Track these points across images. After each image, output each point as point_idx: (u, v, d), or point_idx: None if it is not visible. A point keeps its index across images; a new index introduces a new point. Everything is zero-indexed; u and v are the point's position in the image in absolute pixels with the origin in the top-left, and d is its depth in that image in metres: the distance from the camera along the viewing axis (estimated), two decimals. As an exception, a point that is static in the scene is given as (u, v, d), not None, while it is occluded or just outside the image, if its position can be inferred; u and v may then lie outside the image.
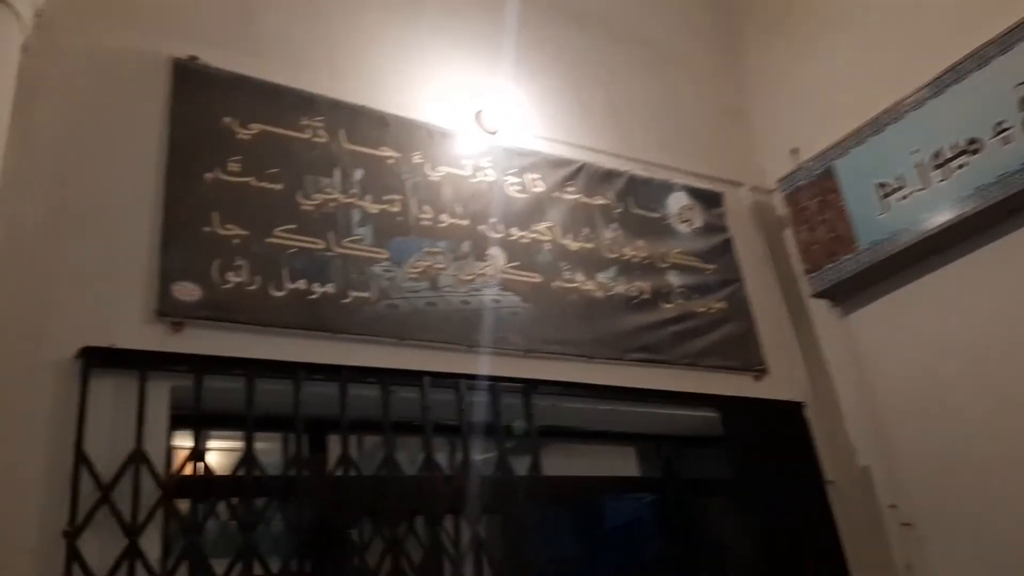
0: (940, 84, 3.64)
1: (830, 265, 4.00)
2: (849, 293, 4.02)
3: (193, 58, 3.02)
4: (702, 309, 3.86)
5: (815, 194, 4.16)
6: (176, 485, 2.32)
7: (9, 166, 2.37)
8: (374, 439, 2.84)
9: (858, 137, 3.98)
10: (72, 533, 2.08)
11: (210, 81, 3.01)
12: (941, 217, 3.55)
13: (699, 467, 3.79)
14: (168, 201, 2.70)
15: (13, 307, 2.31)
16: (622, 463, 3.97)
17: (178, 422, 2.51)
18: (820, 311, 4.16)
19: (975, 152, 3.48)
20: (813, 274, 4.07)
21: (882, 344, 3.88)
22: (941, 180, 3.59)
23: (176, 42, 3.03)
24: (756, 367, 3.88)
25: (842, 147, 4.05)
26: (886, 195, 3.81)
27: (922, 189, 3.66)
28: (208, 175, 2.82)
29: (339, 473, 2.59)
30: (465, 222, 3.34)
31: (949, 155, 3.58)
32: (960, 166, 3.53)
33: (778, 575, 3.36)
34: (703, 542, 3.64)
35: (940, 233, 3.57)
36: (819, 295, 4.08)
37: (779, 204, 4.44)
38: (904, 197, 3.73)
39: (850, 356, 3.97)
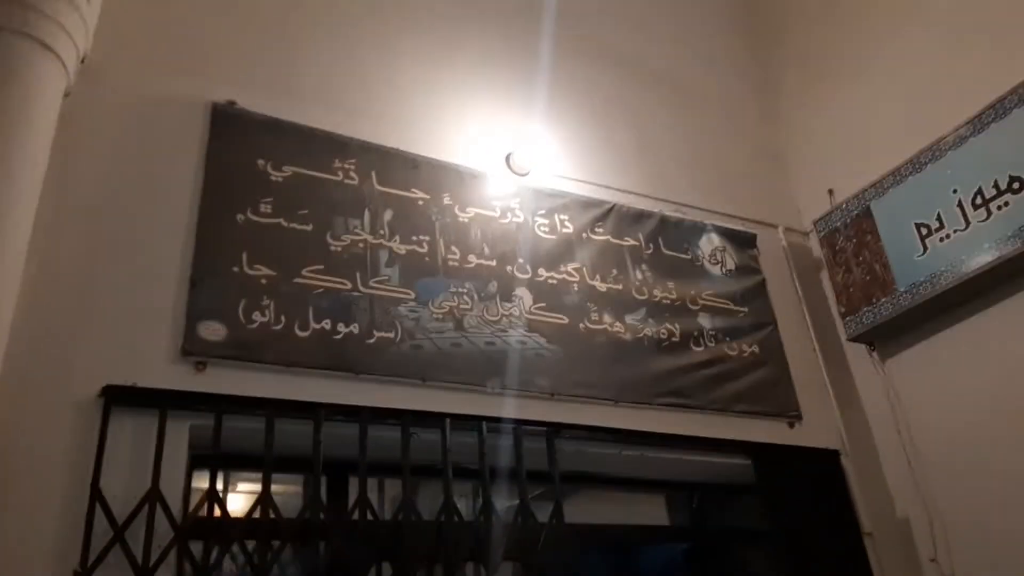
0: (982, 121, 3.50)
1: (867, 308, 3.84)
2: (887, 337, 3.85)
3: (231, 103, 3.05)
4: (734, 353, 3.72)
5: (852, 235, 4.02)
6: (191, 526, 2.26)
7: (45, 207, 2.40)
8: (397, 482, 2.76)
9: (896, 177, 3.84)
10: (83, 573, 2.03)
11: (247, 125, 3.03)
12: (983, 258, 3.38)
13: (731, 516, 3.62)
14: (199, 241, 2.69)
15: (42, 344, 2.31)
16: (652, 511, 3.82)
17: (199, 462, 2.47)
18: (857, 356, 3.98)
19: (1018, 191, 3.32)
20: (849, 317, 3.91)
21: (922, 391, 3.69)
22: (983, 220, 3.43)
23: (216, 87, 3.06)
24: (790, 413, 3.71)
25: (880, 187, 3.91)
26: (925, 236, 3.65)
27: (963, 229, 3.50)
28: (240, 216, 2.81)
29: (356, 516, 2.50)
30: (492, 263, 3.29)
31: (991, 194, 3.42)
32: (1002, 205, 3.37)
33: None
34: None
35: (982, 275, 3.39)
36: (856, 339, 3.91)
37: (815, 246, 4.30)
38: (944, 238, 3.57)
39: (888, 403, 3.77)
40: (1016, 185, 3.34)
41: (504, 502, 2.85)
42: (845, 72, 4.48)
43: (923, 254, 3.64)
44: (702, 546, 3.46)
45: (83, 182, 2.63)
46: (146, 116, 2.87)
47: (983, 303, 3.52)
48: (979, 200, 3.47)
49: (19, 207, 2.20)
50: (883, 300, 3.78)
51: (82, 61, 2.74)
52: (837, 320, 4.04)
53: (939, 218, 3.61)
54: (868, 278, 3.88)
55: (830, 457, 3.63)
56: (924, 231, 3.66)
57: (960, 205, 3.54)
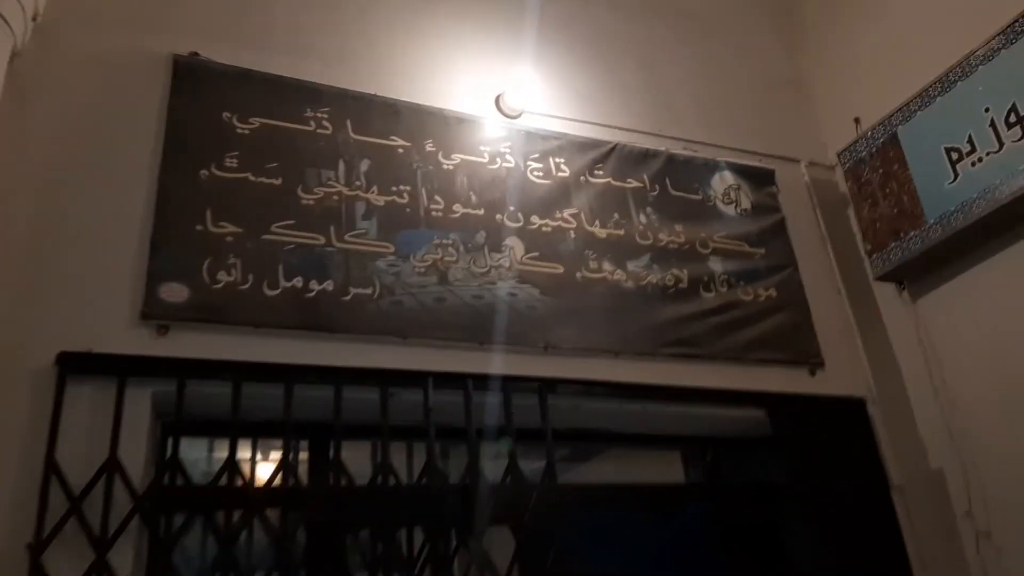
0: (1013, 32, 3.19)
1: (895, 243, 3.58)
2: (918, 274, 3.59)
3: (194, 54, 2.92)
4: (748, 298, 3.52)
5: (878, 166, 3.75)
6: (156, 497, 2.18)
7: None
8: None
9: (924, 99, 3.55)
10: (37, 547, 1.98)
11: (210, 77, 2.90)
12: (1019, 181, 3.10)
13: (749, 471, 3.44)
14: (159, 201, 2.60)
15: (-4, 313, 2.23)
16: (669, 470, 3.67)
17: (169, 430, 2.40)
18: (885, 296, 3.74)
19: (1057, 106, 3.02)
20: (876, 255, 3.66)
21: (956, 331, 3.44)
22: (1017, 140, 3.14)
23: (179, 39, 2.94)
24: (811, 360, 3.50)
25: (906, 111, 3.62)
26: (956, 161, 3.37)
27: (996, 151, 3.21)
28: (203, 172, 2.70)
29: (333, 482, 2.41)
30: (480, 212, 3.13)
31: (1026, 110, 3.12)
32: (1039, 122, 3.06)
33: (835, 588, 3.00)
34: (752, 554, 3.29)
35: (1019, 200, 3.10)
36: (883, 277, 3.66)
37: (841, 180, 4.02)
38: (976, 162, 3.29)
39: (920, 346, 3.53)
40: (1054, 99, 3.03)
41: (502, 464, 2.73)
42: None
43: (954, 181, 3.37)
44: (717, 504, 3.29)
45: (37, 143, 2.55)
46: (103, 73, 2.77)
47: (1022, 233, 3.24)
48: (1013, 118, 3.18)
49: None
50: (912, 234, 3.52)
51: (34, 19, 2.63)
52: (864, 259, 3.78)
53: (970, 140, 3.32)
54: (896, 211, 3.62)
55: (855, 406, 3.43)
56: (955, 156, 3.38)
57: (993, 125, 3.25)
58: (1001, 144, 3.19)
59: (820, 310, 3.66)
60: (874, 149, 3.77)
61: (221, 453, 2.41)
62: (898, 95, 3.66)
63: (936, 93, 3.49)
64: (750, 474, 3.43)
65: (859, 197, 3.83)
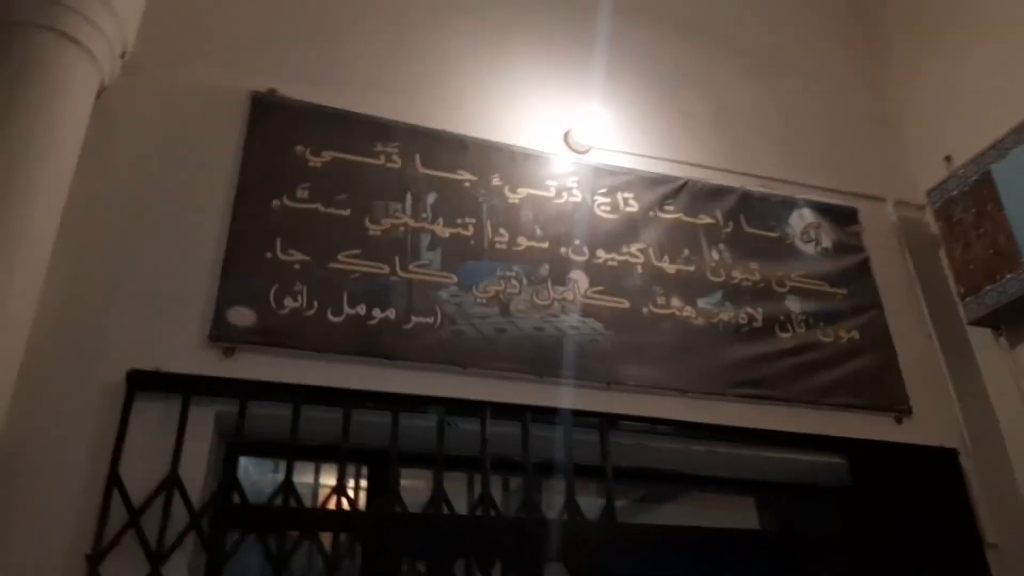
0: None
1: (990, 287, 3.37)
2: (1015, 320, 3.36)
3: (272, 91, 3.06)
4: (828, 339, 3.37)
5: (970, 205, 3.56)
6: (211, 513, 2.23)
7: (79, 196, 2.46)
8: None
9: (1020, 135, 3.37)
10: (95, 557, 2.05)
11: (286, 112, 3.04)
12: None
13: (826, 523, 3.24)
14: (232, 228, 2.71)
15: (73, 330, 2.38)
16: (746, 516, 3.50)
17: (232, 449, 2.46)
18: (981, 341, 3.51)
19: None
20: (970, 298, 3.45)
21: (1059, 380, 3.19)
22: (1124, 177, 2.93)
23: (257, 76, 3.09)
24: (897, 406, 3.31)
25: (1000, 148, 3.45)
26: (1054, 199, 3.17)
27: (1100, 189, 3.00)
28: (275, 202, 2.81)
29: (387, 508, 2.40)
30: (545, 245, 3.13)
31: None
32: None
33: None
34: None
35: None
36: (978, 322, 3.44)
37: (931, 220, 3.84)
38: (1077, 199, 3.08)
39: (1018, 394, 3.28)
40: None
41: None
42: (960, 23, 4.01)
43: (1053, 221, 3.16)
44: (787, 556, 3.11)
45: (121, 173, 2.70)
46: (186, 107, 2.92)
47: None
48: (1119, 152, 2.97)
49: (39, 197, 2.25)
50: (1009, 277, 3.31)
51: (122, 56, 2.82)
52: (957, 302, 3.57)
53: (1070, 177, 3.12)
54: (990, 252, 3.42)
55: (946, 456, 3.21)
56: (1054, 194, 3.18)
57: (1096, 159, 3.05)
58: (1105, 180, 2.99)
59: (908, 355, 3.47)
60: (966, 188, 3.59)
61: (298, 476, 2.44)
62: (991, 132, 3.50)
63: (1032, 129, 3.31)
64: (828, 525, 3.22)
65: (950, 237, 3.64)
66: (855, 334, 3.44)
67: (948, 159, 3.87)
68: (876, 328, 3.50)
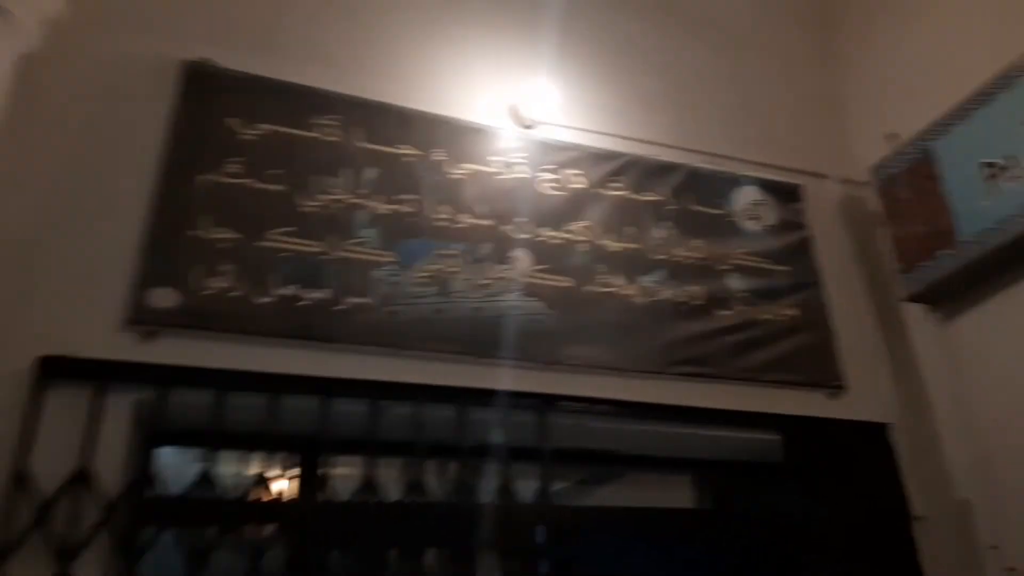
0: (1057, 43, 2.82)
1: (926, 263, 3.22)
2: (950, 295, 3.23)
3: (205, 60, 2.77)
4: (768, 317, 3.21)
5: (911, 182, 3.39)
6: (125, 507, 2.02)
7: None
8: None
9: (961, 112, 3.20)
10: (-3, 556, 1.83)
11: (219, 82, 2.76)
12: (1060, 199, 2.73)
13: (763, 499, 3.12)
14: (155, 205, 2.45)
15: (-22, 315, 2.10)
16: (692, 495, 3.36)
17: (155, 440, 2.24)
18: (915, 318, 3.38)
19: (1102, 121, 2.65)
20: (906, 274, 3.30)
21: (989, 355, 3.07)
22: (1060, 154, 2.77)
23: (191, 45, 2.80)
24: (832, 383, 3.18)
25: (941, 126, 3.27)
26: (993, 177, 3.01)
27: (1036, 168, 2.84)
28: (203, 177, 2.54)
29: (315, 497, 2.21)
30: (487, 222, 2.91)
31: (1069, 125, 2.75)
32: (1084, 138, 2.70)
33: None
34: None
35: (1059, 218, 2.75)
36: (913, 298, 3.30)
37: (873, 197, 3.67)
38: (1015, 178, 2.92)
39: (950, 370, 3.17)
40: (1099, 113, 2.67)
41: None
42: (912, 2, 3.79)
43: (990, 198, 3.00)
44: (725, 533, 2.99)
45: (44, 145, 2.42)
46: (112, 77, 2.64)
47: (1064, 251, 2.87)
48: (1056, 132, 2.81)
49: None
50: (944, 253, 3.16)
51: (48, 22, 2.51)
52: (895, 279, 3.43)
53: (1009, 156, 2.96)
54: (928, 229, 3.26)
55: (877, 431, 3.10)
56: (992, 172, 3.02)
57: (1033, 139, 2.88)
58: (1042, 160, 2.83)
59: (845, 332, 3.34)
60: (907, 165, 3.42)
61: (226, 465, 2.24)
62: (934, 110, 3.33)
63: (973, 107, 3.14)
64: (765, 501, 3.10)
65: (891, 215, 3.48)
66: (794, 311, 3.29)
67: (891, 137, 3.68)
68: (815, 305, 3.36)
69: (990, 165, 3.02)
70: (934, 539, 2.93)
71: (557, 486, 2.53)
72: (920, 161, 3.35)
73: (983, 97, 3.09)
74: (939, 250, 3.17)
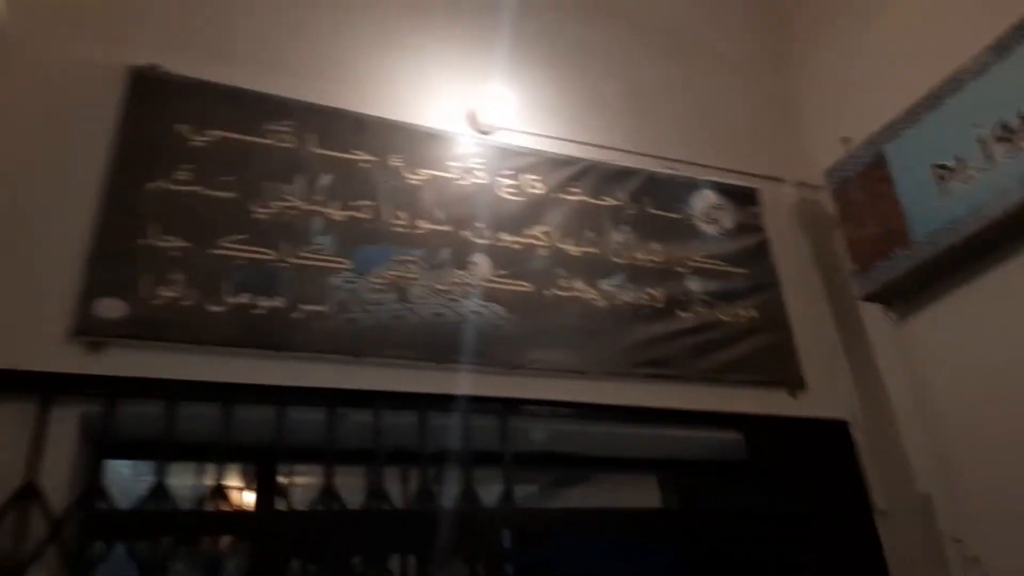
0: (1004, 46, 2.97)
1: (881, 263, 3.34)
2: (905, 295, 3.35)
3: (153, 66, 2.76)
4: (727, 318, 3.30)
5: (865, 185, 3.51)
6: (73, 522, 1.99)
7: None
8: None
9: (912, 116, 3.32)
10: (-65, 578, 1.79)
11: (169, 89, 2.76)
12: (1009, 199, 2.86)
13: (728, 498, 3.19)
14: (103, 214, 2.43)
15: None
16: (652, 495, 3.42)
17: (105, 453, 2.21)
18: (872, 318, 3.49)
19: (1047, 121, 2.79)
20: (862, 274, 3.42)
21: (944, 352, 3.19)
22: (1008, 156, 2.90)
23: (139, 50, 2.79)
24: (791, 382, 3.27)
25: (893, 129, 3.40)
26: (944, 179, 3.13)
27: (986, 168, 2.98)
28: (152, 185, 2.53)
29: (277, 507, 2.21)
30: (446, 228, 2.94)
31: (1017, 126, 2.89)
32: (1029, 139, 2.83)
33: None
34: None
35: (1009, 218, 2.87)
36: (869, 298, 3.41)
37: (828, 200, 3.79)
38: (966, 180, 3.05)
39: (906, 367, 3.28)
40: (1045, 113, 2.81)
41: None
42: (860, 5, 3.94)
43: (942, 199, 3.13)
44: (691, 532, 3.04)
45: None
46: (58, 83, 2.62)
47: (1012, 251, 3.00)
48: (1003, 134, 2.94)
49: None
50: (899, 253, 3.28)
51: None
52: (851, 280, 3.54)
53: (959, 158, 3.09)
54: (882, 230, 3.38)
55: (838, 428, 3.19)
56: (943, 174, 3.15)
57: (982, 141, 3.02)
58: (991, 161, 2.96)
59: (804, 332, 3.44)
60: (861, 168, 3.55)
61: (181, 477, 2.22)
62: (888, 113, 3.45)
63: (924, 110, 3.27)
64: (730, 500, 3.17)
65: (846, 217, 3.60)
66: (753, 312, 3.38)
67: (846, 140, 3.81)
68: (774, 306, 3.45)
69: (941, 167, 3.15)
70: (897, 533, 3.02)
71: (526, 490, 2.55)
72: (873, 164, 3.48)
73: (933, 100, 3.22)
74: (893, 250, 3.29)
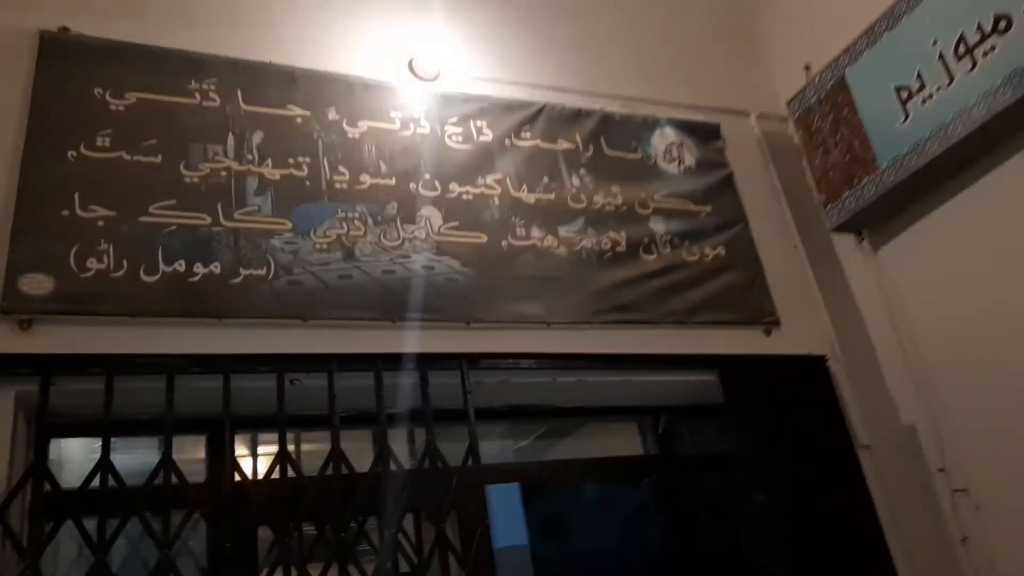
0: (960, -43, 3.05)
1: (849, 192, 3.44)
2: (876, 223, 3.46)
3: (64, 29, 2.77)
4: (694, 258, 3.39)
5: (828, 111, 3.61)
6: (25, 504, 2.04)
7: None
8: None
9: (870, 37, 3.41)
10: None
11: (81, 52, 2.75)
12: (973, 116, 2.96)
13: (707, 441, 3.30)
14: (21, 187, 2.44)
15: None
16: (625, 443, 3.54)
17: (48, 432, 2.26)
18: (845, 249, 3.61)
19: (1005, 31, 2.89)
20: (831, 205, 3.52)
21: (920, 279, 3.30)
22: (968, 71, 3.00)
23: (46, 13, 2.78)
24: (766, 319, 3.38)
25: (853, 52, 3.49)
26: (906, 100, 3.23)
27: (947, 86, 3.07)
28: (71, 153, 2.55)
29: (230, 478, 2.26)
30: (391, 181, 2.99)
31: (975, 39, 2.99)
32: (988, 51, 2.94)
33: (803, 558, 2.86)
34: (710, 529, 3.15)
35: (974, 135, 2.98)
36: (840, 228, 3.52)
37: (792, 131, 3.88)
38: (927, 99, 3.15)
39: (884, 298, 3.40)
40: (1003, 24, 2.90)
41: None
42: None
43: (905, 121, 3.23)
44: (670, 475, 3.15)
45: None
46: (-40, 54, 2.60)
47: (980, 170, 3.12)
48: (962, 48, 3.04)
49: None
50: (865, 180, 3.38)
51: None
52: (821, 211, 3.64)
53: (919, 77, 3.18)
54: (848, 158, 3.48)
55: (815, 364, 3.30)
56: (904, 95, 3.25)
57: (941, 58, 3.11)
58: (951, 78, 3.06)
59: (775, 267, 3.54)
60: (823, 95, 3.64)
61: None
62: (847, 37, 3.53)
63: (882, 29, 3.35)
64: (709, 443, 3.29)
65: (811, 146, 3.69)
66: (721, 251, 3.47)
67: (807, 67, 3.90)
68: (742, 243, 3.55)
69: (901, 88, 3.25)
70: (882, 466, 3.15)
71: (518, 444, 2.63)
72: (835, 90, 3.57)
73: (891, 18, 3.30)
74: (860, 178, 3.39)
